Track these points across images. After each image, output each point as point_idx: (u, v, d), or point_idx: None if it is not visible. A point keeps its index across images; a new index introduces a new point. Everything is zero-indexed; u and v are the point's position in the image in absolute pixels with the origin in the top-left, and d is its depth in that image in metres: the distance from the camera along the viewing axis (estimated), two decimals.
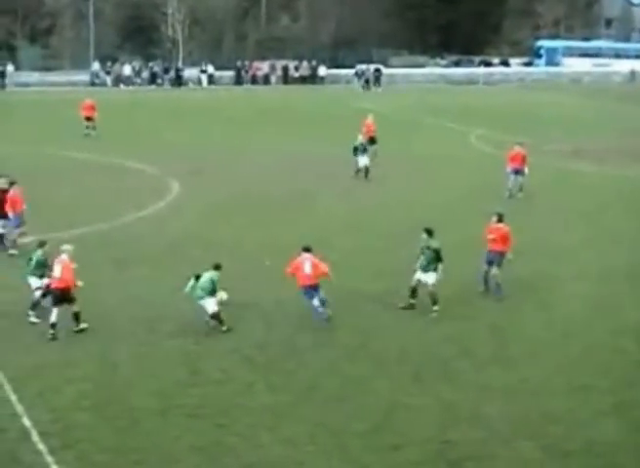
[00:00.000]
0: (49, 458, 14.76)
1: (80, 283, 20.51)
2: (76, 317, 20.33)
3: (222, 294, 20.65)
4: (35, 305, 21.08)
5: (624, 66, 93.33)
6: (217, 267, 20.76)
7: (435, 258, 21.74)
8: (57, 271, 20.28)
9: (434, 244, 21.78)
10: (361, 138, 38.08)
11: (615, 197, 35.78)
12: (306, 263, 20.92)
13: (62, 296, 20.15)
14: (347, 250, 26.98)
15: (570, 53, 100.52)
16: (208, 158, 42.14)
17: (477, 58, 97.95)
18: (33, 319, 20.95)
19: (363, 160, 37.55)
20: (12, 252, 26.09)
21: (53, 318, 19.98)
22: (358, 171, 37.60)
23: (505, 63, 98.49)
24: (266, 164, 41.01)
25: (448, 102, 66.91)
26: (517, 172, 34.48)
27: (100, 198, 29.01)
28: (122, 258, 25.63)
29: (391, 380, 18.16)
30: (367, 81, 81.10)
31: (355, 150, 37.70)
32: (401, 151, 40.31)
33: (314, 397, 17.39)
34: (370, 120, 41.92)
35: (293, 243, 25.73)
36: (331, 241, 27.75)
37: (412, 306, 21.99)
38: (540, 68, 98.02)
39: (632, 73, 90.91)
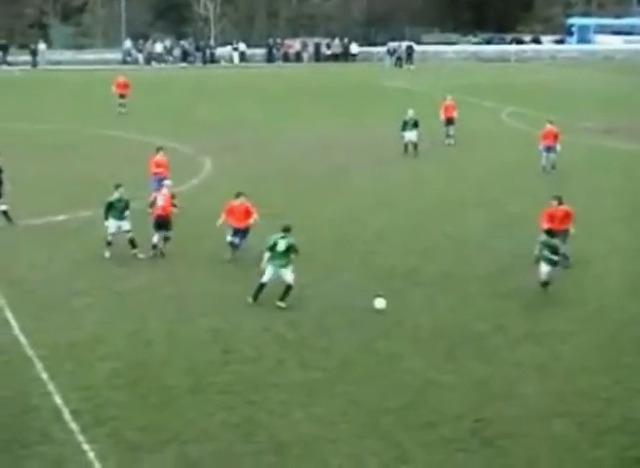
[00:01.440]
0: (80, 437, 14.66)
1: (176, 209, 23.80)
2: (166, 238, 23.92)
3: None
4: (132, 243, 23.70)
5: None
6: (286, 229, 20.51)
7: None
8: (159, 201, 23.77)
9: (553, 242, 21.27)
10: (411, 113, 37.80)
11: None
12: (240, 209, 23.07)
13: (164, 223, 23.66)
14: (379, 227, 26.77)
15: (602, 30, 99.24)
16: (240, 136, 41.96)
17: (509, 36, 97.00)
18: (141, 255, 23.63)
19: (409, 135, 37.51)
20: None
21: (155, 240, 23.71)
22: (406, 146, 37.64)
23: (537, 41, 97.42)
24: (299, 141, 40.81)
25: (480, 80, 66.27)
26: (549, 149, 34.25)
27: (130, 176, 28.87)
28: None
29: (425, 358, 17.95)
30: (399, 58, 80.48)
31: (404, 125, 37.63)
32: (433, 129, 39.83)
33: (347, 374, 17.22)
34: (449, 101, 41.35)
35: (325, 220, 25.79)
36: (363, 218, 27.61)
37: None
38: (572, 46, 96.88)
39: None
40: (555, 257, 21.16)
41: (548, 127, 34.64)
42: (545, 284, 21.43)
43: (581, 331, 19.51)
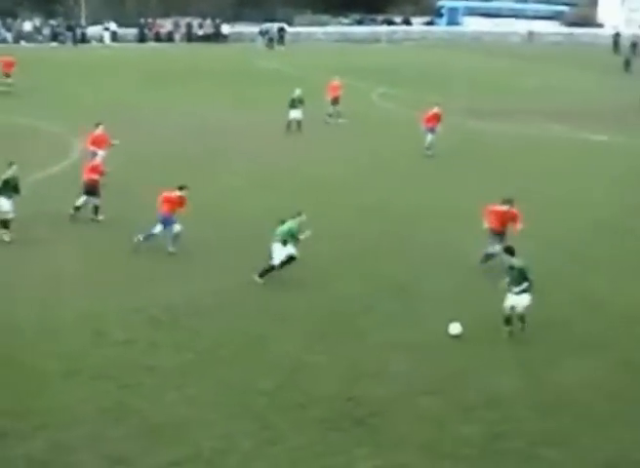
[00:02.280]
0: None
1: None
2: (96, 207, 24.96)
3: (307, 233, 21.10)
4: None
5: (523, 27, 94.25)
6: (298, 213, 21.13)
7: (521, 278, 18.50)
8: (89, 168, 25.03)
9: (518, 263, 18.65)
10: (298, 92, 38.49)
11: (513, 154, 36.11)
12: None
13: (91, 189, 24.74)
14: (256, 209, 26.69)
15: (470, 12, 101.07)
16: (114, 116, 41.13)
17: (380, 17, 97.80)
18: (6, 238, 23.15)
19: (294, 113, 38.24)
20: None
21: (79, 202, 24.80)
22: (289, 123, 38.23)
23: (407, 22, 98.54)
24: (175, 122, 40.29)
25: (351, 61, 66.56)
26: (432, 130, 34.83)
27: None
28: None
29: (296, 338, 18.04)
30: (271, 39, 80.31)
31: (292, 102, 38.31)
32: (305, 110, 39.88)
33: (219, 356, 17.18)
34: (336, 82, 42.30)
35: (202, 202, 25.53)
36: (241, 200, 27.57)
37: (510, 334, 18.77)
38: (442, 27, 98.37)
39: (530, 33, 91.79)
40: (525, 284, 18.41)
41: (435, 109, 35.21)
42: (522, 318, 18.68)
43: (450, 310, 19.78)
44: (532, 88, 56.00)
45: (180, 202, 22.79)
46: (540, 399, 16.09)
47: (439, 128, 34.99)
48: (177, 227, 22.73)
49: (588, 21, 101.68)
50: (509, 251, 18.96)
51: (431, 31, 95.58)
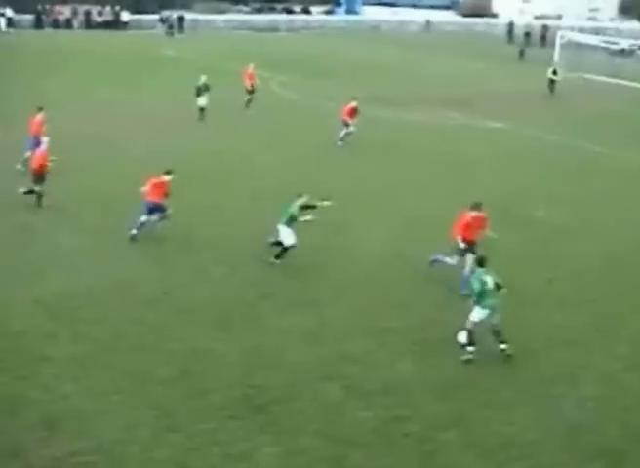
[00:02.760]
0: None
1: None
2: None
3: (327, 202, 21.93)
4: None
5: (420, 16, 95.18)
6: (299, 195, 21.60)
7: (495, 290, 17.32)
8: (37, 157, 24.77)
9: (493, 278, 17.33)
10: (204, 79, 38.40)
11: (416, 142, 36.46)
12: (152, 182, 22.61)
13: (41, 177, 24.46)
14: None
15: (369, 2, 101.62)
16: (11, 104, 40.20)
17: (279, 6, 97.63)
18: None
19: (200, 100, 38.16)
20: None
21: (37, 188, 24.38)
22: (201, 110, 38.36)
23: (307, 11, 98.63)
24: (71, 108, 39.49)
25: (251, 49, 66.24)
26: (346, 124, 34.79)
27: None
28: None
29: (195, 327, 17.95)
30: (170, 27, 79.41)
31: (198, 90, 38.26)
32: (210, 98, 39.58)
33: (118, 345, 16.98)
34: (251, 69, 42.09)
35: (96, 191, 25.20)
36: (135, 187, 27.19)
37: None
38: (341, 16, 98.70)
39: (427, 23, 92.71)
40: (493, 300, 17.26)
41: (352, 103, 35.17)
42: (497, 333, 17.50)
43: (348, 297, 20.02)
44: (430, 76, 56.59)
45: (166, 187, 22.66)
46: (436, 382, 16.34)
47: (355, 121, 34.93)
48: (160, 216, 22.71)
49: (483, 11, 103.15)
50: (482, 262, 17.47)
51: (330, 20, 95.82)
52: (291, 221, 21.45)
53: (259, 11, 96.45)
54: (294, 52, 66.28)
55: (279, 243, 21.61)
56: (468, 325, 17.22)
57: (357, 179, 29.58)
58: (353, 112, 35.19)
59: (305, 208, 21.65)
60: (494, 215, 26.00)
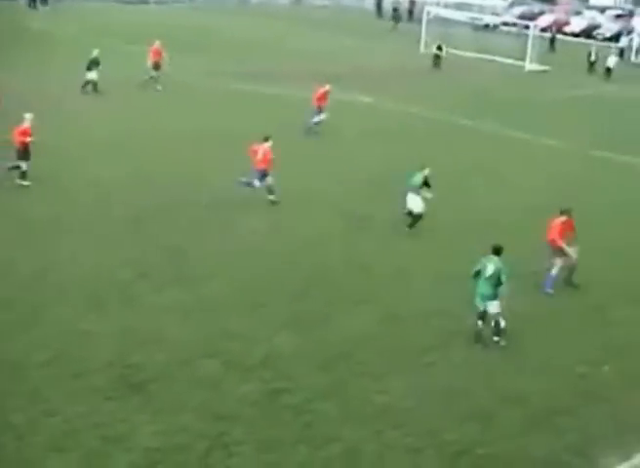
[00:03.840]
0: None
1: None
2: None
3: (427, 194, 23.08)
4: None
5: None
6: (423, 167, 23.24)
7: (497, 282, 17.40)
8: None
9: (491, 266, 17.43)
10: (96, 53, 38.29)
11: (284, 115, 36.54)
12: (260, 151, 24.54)
13: (25, 152, 24.91)
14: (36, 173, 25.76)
15: None
16: None
17: None
18: None
19: (91, 74, 38.09)
20: None
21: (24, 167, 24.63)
22: (86, 84, 38.08)
23: None
24: None
25: (120, 23, 65.01)
26: (319, 108, 34.44)
27: None
28: None
29: (70, 308, 17.68)
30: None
31: (89, 64, 38.15)
32: (69, 75, 38.74)
33: None
34: (157, 45, 41.29)
35: None
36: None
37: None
38: None
39: None
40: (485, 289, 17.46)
41: (325, 87, 34.81)
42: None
43: (225, 273, 20.04)
44: (301, 51, 56.61)
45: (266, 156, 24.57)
46: (313, 355, 16.57)
47: (326, 105, 34.66)
48: (270, 179, 24.54)
49: None
50: (497, 250, 17.52)
51: None
52: (416, 190, 23.15)
53: None
54: (163, 25, 65.21)
55: (410, 212, 23.31)
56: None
57: (230, 157, 29.47)
58: (324, 97, 34.80)
59: (425, 183, 23.25)
60: (368, 189, 26.49)
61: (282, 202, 25.02)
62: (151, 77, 40.63)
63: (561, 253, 20.50)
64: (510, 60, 57.96)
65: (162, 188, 25.47)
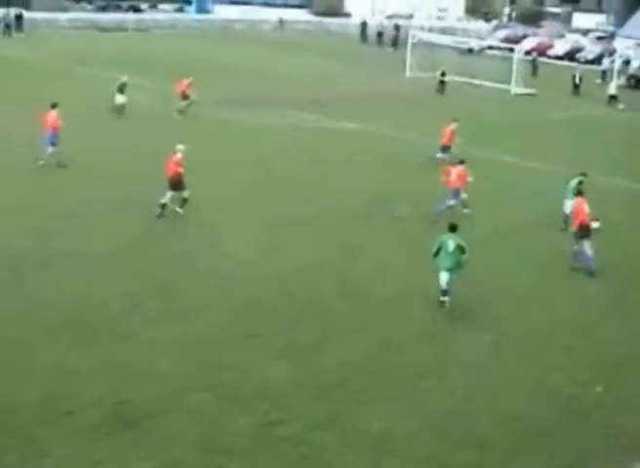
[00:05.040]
0: None
1: None
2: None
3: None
4: None
5: (273, 15, 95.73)
6: (582, 174, 26.02)
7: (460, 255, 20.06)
8: None
9: (451, 242, 20.05)
10: (124, 78, 40.88)
11: (263, 144, 36.79)
12: (453, 172, 26.83)
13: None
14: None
15: (219, 0, 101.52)
16: None
17: (125, 4, 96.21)
18: None
19: (120, 98, 40.56)
20: None
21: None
22: (116, 108, 40.41)
23: (155, 8, 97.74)
24: None
25: (97, 50, 65.14)
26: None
27: None
28: None
29: (60, 344, 17.70)
30: (7, 26, 76.84)
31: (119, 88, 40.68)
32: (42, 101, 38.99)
33: None
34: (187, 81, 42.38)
35: None
36: None
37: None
38: (191, 15, 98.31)
39: (280, 21, 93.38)
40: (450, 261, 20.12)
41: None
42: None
43: (217, 305, 20.14)
44: (285, 77, 56.93)
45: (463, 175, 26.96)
46: (309, 384, 16.70)
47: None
48: (463, 195, 27.14)
49: (336, 11, 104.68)
50: (452, 228, 20.37)
51: (181, 19, 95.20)
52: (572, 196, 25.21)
53: (103, 9, 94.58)
54: (144, 53, 65.54)
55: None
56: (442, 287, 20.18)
57: (217, 186, 29.64)
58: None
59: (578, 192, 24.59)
60: (357, 216, 26.71)
61: (271, 228, 25.24)
62: (179, 110, 41.46)
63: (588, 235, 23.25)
64: (497, 84, 58.46)
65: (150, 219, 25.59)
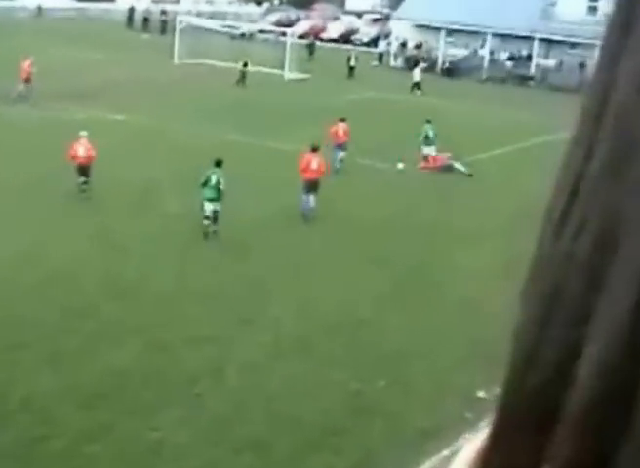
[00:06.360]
0: None
1: None
2: None
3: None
4: None
5: (31, 1, 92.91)
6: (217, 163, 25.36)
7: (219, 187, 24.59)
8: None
9: (214, 176, 24.66)
10: None
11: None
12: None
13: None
14: None
15: None
16: None
17: None
18: None
19: None
20: None
21: None
22: None
23: None
24: None
25: None
26: None
27: None
28: None
29: None
30: None
31: None
32: None
33: None
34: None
35: None
36: None
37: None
38: None
39: (39, 8, 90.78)
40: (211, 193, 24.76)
41: None
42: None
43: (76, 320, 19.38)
44: (44, 67, 55.23)
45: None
46: (75, 394, 16.31)
47: None
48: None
49: None
50: (217, 163, 24.95)
51: None
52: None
53: None
54: None
55: None
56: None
57: None
58: None
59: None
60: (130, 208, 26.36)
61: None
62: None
63: None
64: (271, 70, 58.51)
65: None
